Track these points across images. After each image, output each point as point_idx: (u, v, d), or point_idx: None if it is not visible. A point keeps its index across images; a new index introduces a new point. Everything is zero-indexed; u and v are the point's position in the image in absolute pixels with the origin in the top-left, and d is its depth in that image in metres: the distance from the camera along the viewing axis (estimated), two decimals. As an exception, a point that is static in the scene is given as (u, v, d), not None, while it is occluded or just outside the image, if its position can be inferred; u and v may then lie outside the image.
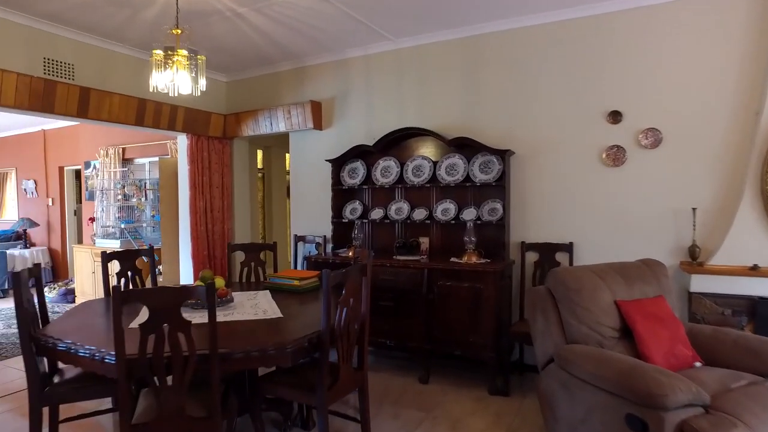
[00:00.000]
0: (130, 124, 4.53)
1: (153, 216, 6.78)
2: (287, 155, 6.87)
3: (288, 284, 3.52)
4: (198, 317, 2.61)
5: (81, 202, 8.95)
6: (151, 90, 3.01)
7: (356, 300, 2.61)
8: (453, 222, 4.20)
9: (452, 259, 4.00)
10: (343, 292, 2.50)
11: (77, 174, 8.98)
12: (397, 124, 4.50)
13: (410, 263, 3.98)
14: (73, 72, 4.15)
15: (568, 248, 3.90)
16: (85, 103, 4.14)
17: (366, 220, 4.62)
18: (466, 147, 4.20)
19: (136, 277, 3.67)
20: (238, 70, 5.47)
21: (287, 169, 6.89)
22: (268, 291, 3.49)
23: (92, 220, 7.18)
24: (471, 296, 3.71)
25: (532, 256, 4.06)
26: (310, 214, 5.17)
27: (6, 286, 7.91)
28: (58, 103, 3.98)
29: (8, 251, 8.29)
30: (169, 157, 6.21)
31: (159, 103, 4.73)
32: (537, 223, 4.06)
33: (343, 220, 4.73)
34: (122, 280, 3.58)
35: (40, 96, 3.87)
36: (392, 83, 4.65)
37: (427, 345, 3.88)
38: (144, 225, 6.67)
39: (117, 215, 6.66)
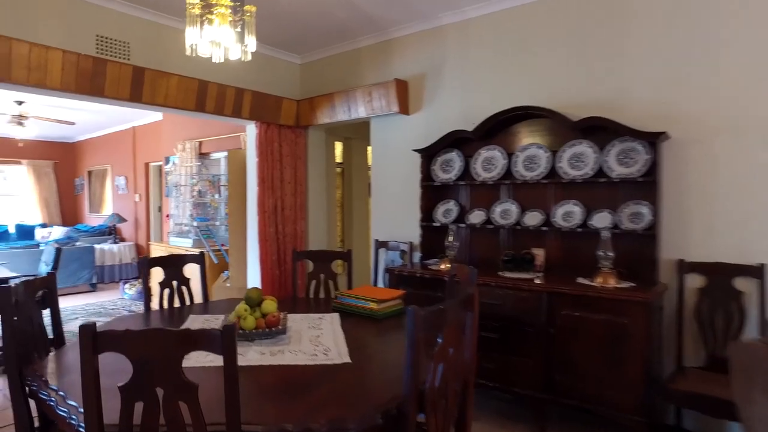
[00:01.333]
0: (189, 109, 3.96)
1: (227, 214, 6.32)
2: (369, 148, 6.12)
3: (362, 307, 2.70)
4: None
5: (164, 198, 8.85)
6: (187, 53, 2.31)
7: (458, 348, 1.72)
8: (579, 230, 3.17)
9: (579, 280, 2.98)
10: (440, 340, 1.62)
11: (161, 170, 8.88)
12: (502, 104, 3.53)
13: (522, 283, 3.01)
14: (128, 51, 3.64)
15: (755, 272, 2.73)
16: (138, 85, 3.61)
17: (463, 225, 3.70)
18: (598, 131, 3.16)
19: (183, 288, 3.04)
20: (312, 49, 4.77)
21: (369, 163, 6.13)
22: (337, 315, 2.69)
23: (168, 216, 6.89)
24: (608, 333, 2.68)
25: (695, 281, 2.92)
26: (393, 216, 4.34)
27: (94, 281, 7.90)
28: (108, 84, 3.47)
29: (97, 246, 8.31)
30: (239, 149, 5.68)
31: (222, 85, 4.13)
32: (703, 235, 2.92)
33: (434, 224, 3.85)
34: (166, 291, 2.96)
35: (88, 76, 3.38)
36: (496, 54, 3.69)
37: (544, 393, 2.90)
38: (217, 223, 6.23)
39: (191, 212, 6.28)
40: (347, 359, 1.97)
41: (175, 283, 2.99)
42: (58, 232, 9.74)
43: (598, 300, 2.72)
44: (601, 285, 2.81)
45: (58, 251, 4.57)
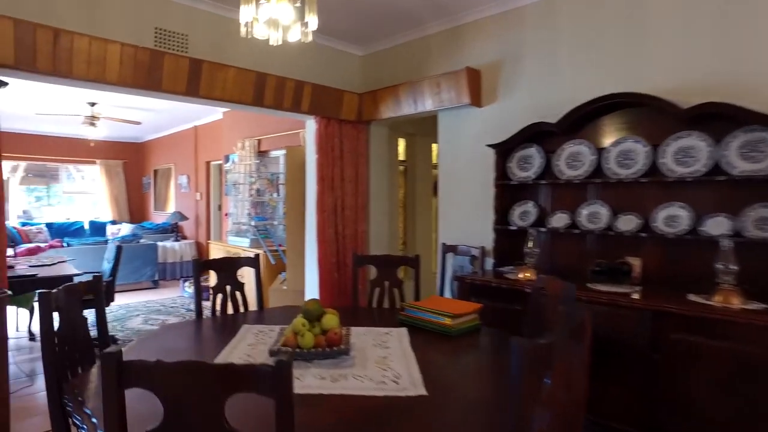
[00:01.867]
0: (247, 103, 3.77)
1: (285, 213, 6.15)
2: (434, 145, 5.77)
3: (434, 323, 2.37)
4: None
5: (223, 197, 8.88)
6: (242, 33, 2.06)
7: (568, 391, 1.35)
8: (687, 237, 2.69)
9: (691, 298, 2.51)
10: (548, 380, 1.26)
11: (221, 168, 8.92)
12: (589, 93, 3.09)
13: (619, 299, 2.58)
14: (186, 43, 3.48)
15: None
16: (195, 78, 3.44)
17: (542, 229, 3.28)
18: (714, 120, 2.67)
19: (237, 294, 2.82)
20: (374, 40, 4.48)
21: (434, 161, 5.78)
22: (405, 330, 2.37)
23: (227, 215, 6.83)
24: (735, 366, 2.21)
25: (842, 301, 2.38)
26: (463, 218, 3.97)
27: (156, 278, 8.01)
28: (165, 78, 3.32)
29: (160, 243, 8.44)
30: (297, 146, 5.47)
31: (281, 77, 3.91)
32: None
33: (510, 228, 3.46)
34: (218, 297, 2.75)
35: (145, 69, 3.24)
36: (588, 33, 3.25)
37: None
38: (275, 223, 6.08)
39: (249, 211, 6.16)
40: (422, 390, 1.64)
41: (228, 287, 2.77)
42: (126, 229, 10.03)
43: (719, 323, 2.25)
44: (723, 305, 2.33)
45: (119, 249, 4.53)
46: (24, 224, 10.16)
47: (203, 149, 8.89)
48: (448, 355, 2.08)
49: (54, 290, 1.79)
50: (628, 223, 2.96)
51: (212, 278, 5.45)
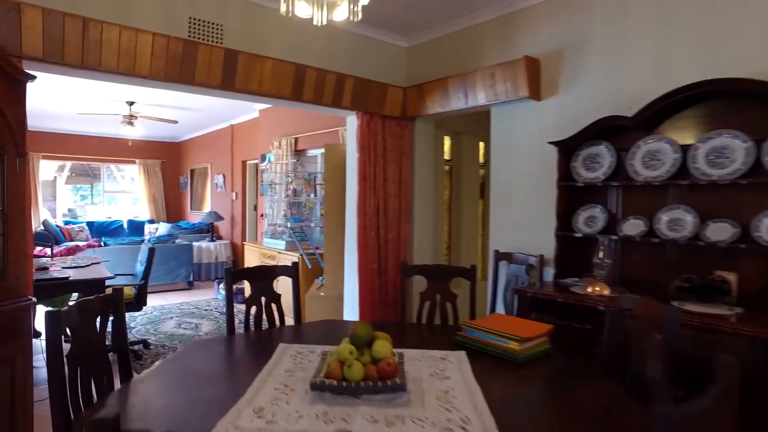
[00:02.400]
0: (285, 98, 3.51)
1: (322, 215, 5.91)
2: (481, 144, 5.41)
3: (498, 346, 2.04)
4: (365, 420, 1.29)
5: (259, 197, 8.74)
6: (282, 10, 1.78)
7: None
8: (798, 249, 2.27)
9: (809, 323, 2.09)
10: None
11: (257, 168, 8.77)
12: (670, 82, 2.68)
13: (716, 322, 2.18)
14: (221, 33, 3.25)
15: None
16: (230, 71, 3.20)
17: (613, 237, 2.90)
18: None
19: (273, 306, 2.55)
20: (421, 30, 4.17)
21: (481, 161, 5.43)
22: (463, 354, 2.05)
23: (262, 216, 6.64)
24: None
25: None
26: (518, 223, 3.61)
27: (191, 278, 7.91)
28: (199, 70, 3.10)
29: (195, 243, 8.36)
30: (337, 144, 5.21)
31: (322, 70, 3.64)
32: None
33: (575, 235, 3.08)
34: (252, 310, 2.48)
35: (178, 62, 3.02)
36: (663, 15, 2.85)
37: (754, 482, 2.06)
38: (312, 225, 5.83)
39: (285, 212, 5.94)
40: (499, 441, 1.32)
41: (263, 299, 2.51)
42: (163, 228, 10.03)
43: None
44: None
45: (151, 252, 4.37)
46: (67, 223, 10.31)
47: (239, 148, 8.77)
48: (519, 389, 1.76)
49: (65, 307, 1.55)
50: (720, 231, 2.55)
51: (246, 288, 5.23)
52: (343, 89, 3.78)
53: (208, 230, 9.33)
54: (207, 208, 10.37)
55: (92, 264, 4.61)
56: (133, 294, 4.38)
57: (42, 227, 9.63)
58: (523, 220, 3.57)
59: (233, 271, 2.41)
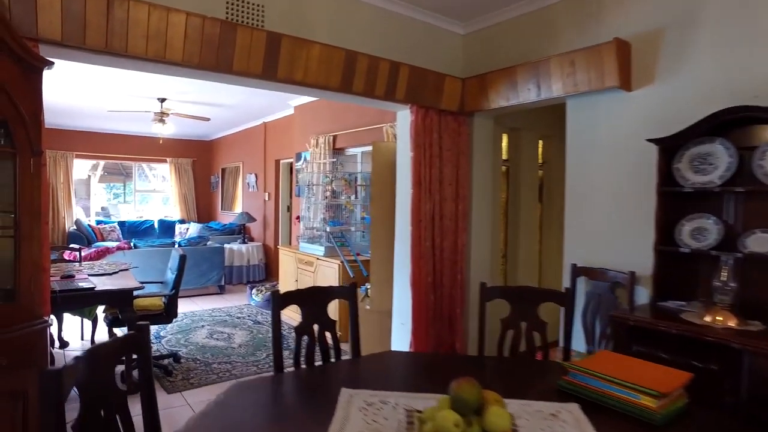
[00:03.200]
0: (333, 89, 3.10)
1: (363, 218, 5.50)
2: (540, 142, 4.91)
3: (626, 401, 1.57)
4: None
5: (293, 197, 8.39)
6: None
7: None
8: None
9: None
10: None
11: (291, 167, 8.43)
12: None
13: None
14: (263, 15, 2.85)
15: None
16: (273, 57, 2.80)
17: (737, 255, 2.38)
18: None
19: (326, 334, 2.13)
20: (481, 14, 3.70)
21: (540, 161, 4.92)
22: (576, 407, 1.59)
23: (298, 218, 6.26)
24: None
25: None
26: (600, 233, 3.11)
27: (222, 282, 7.60)
28: (238, 56, 2.70)
29: (226, 245, 8.05)
30: (385, 141, 4.77)
31: (374, 57, 3.21)
32: None
33: (681, 250, 2.57)
34: (303, 340, 2.06)
35: (215, 46, 2.63)
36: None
37: None
38: (352, 229, 5.42)
39: (324, 215, 5.55)
40: None
41: (316, 327, 2.09)
42: (194, 229, 9.80)
43: None
44: None
45: (183, 259, 4.02)
46: (99, 222, 10.19)
47: (272, 147, 8.43)
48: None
49: (68, 364, 1.15)
50: None
51: (294, 313, 4.83)
52: (397, 80, 3.35)
53: (240, 231, 9.04)
54: (238, 208, 10.09)
55: (120, 270, 4.29)
56: (163, 305, 4.04)
57: (75, 227, 9.51)
58: (608, 230, 3.07)
59: (281, 295, 1.99)
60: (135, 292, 3.64)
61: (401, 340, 3.78)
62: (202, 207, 11.39)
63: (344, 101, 3.86)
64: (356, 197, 5.48)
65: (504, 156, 4.55)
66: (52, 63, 2.21)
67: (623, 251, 2.96)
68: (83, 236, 9.18)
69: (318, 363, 2.04)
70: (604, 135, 3.10)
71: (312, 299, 2.09)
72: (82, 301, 3.55)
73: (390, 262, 3.99)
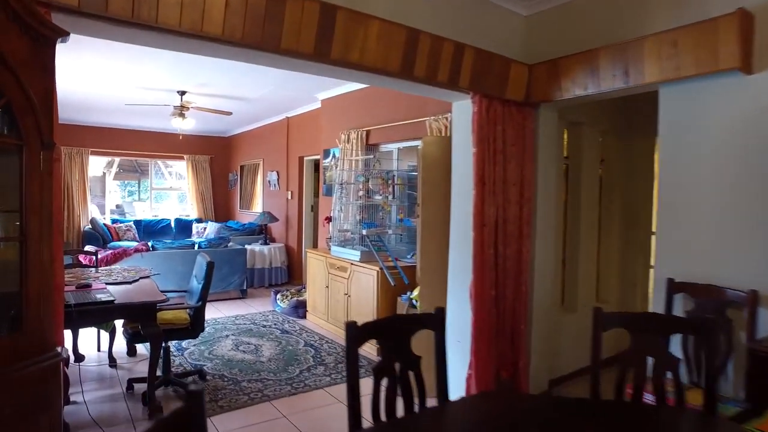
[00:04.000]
0: (392, 73, 2.65)
1: (401, 220, 5.06)
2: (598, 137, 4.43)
3: None
4: None
5: (318, 196, 7.96)
6: None
7: None
8: None
9: None
10: None
11: (316, 165, 8.00)
12: None
13: None
14: (315, -15, 2.41)
15: None
16: (326, 33, 2.36)
17: None
18: None
19: (409, 374, 1.68)
20: (550, -9, 3.24)
21: (600, 157, 4.44)
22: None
23: (328, 219, 5.83)
24: None
25: None
26: (705, 243, 2.63)
27: (245, 286, 7.20)
28: (286, 31, 2.27)
29: (248, 246, 7.65)
30: (440, 135, 4.30)
31: (438, 37, 2.76)
32: None
33: (832, 268, 2.10)
34: (383, 383, 1.63)
35: (260, 18, 2.20)
36: None
37: None
38: (389, 232, 4.98)
39: (358, 217, 5.11)
40: None
41: (398, 365, 1.65)
42: (211, 228, 9.43)
43: None
44: None
45: (210, 267, 3.59)
46: (114, 221, 9.86)
47: (296, 143, 8.01)
48: None
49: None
50: None
51: (370, 348, 4.36)
52: (461, 64, 2.89)
53: (260, 232, 8.64)
54: (256, 207, 9.70)
55: (141, 278, 3.89)
56: (188, 317, 3.63)
57: (90, 225, 9.18)
58: (715, 240, 2.59)
59: (358, 328, 1.55)
60: (158, 304, 3.24)
61: (457, 359, 3.33)
62: (219, 205, 11.02)
63: (401, 89, 3.37)
64: (393, 197, 5.03)
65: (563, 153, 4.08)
66: (68, 34, 1.80)
67: (735, 265, 2.48)
68: (98, 236, 8.84)
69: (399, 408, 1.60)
70: (712, 128, 2.62)
71: (393, 330, 1.65)
72: (100, 317, 3.15)
73: (442, 271, 3.55)
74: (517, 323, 3.36)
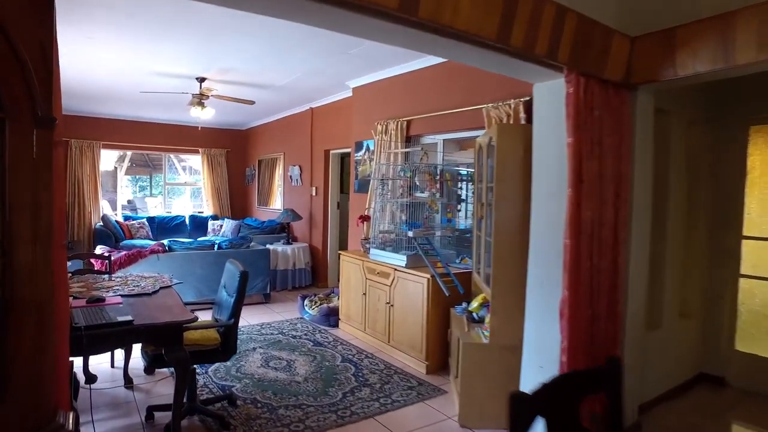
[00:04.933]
0: (487, 39, 2.09)
1: (449, 220, 4.51)
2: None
3: None
4: None
5: (344, 192, 7.42)
6: None
7: None
8: None
9: None
10: None
11: (342, 159, 7.46)
12: None
13: None
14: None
15: None
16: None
17: None
18: None
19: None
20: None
21: (685, 151, 3.85)
22: None
23: (363, 219, 5.28)
24: None
25: None
26: None
27: (268, 290, 6.68)
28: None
29: (270, 247, 7.13)
30: (511, 122, 3.72)
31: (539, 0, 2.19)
32: None
33: None
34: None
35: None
36: None
37: None
38: (437, 234, 4.44)
39: (403, 216, 4.55)
40: None
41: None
42: (228, 226, 8.94)
43: None
44: None
45: (244, 278, 3.05)
46: (126, 218, 9.39)
47: (321, 135, 7.47)
48: None
49: None
50: None
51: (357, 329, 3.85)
52: (562, 33, 2.33)
53: (282, 230, 8.13)
54: (275, 203, 9.19)
55: (161, 288, 3.38)
56: (218, 338, 3.11)
57: (101, 223, 8.72)
58: None
59: (525, 400, 1.00)
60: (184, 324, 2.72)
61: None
62: (236, 202, 10.53)
63: (489, 66, 2.70)
64: (440, 195, 4.48)
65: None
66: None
67: None
68: (111, 233, 8.38)
69: None
70: None
71: (562, 403, 1.10)
72: (115, 341, 2.64)
73: (518, 283, 2.99)
74: (612, 348, 2.79)
